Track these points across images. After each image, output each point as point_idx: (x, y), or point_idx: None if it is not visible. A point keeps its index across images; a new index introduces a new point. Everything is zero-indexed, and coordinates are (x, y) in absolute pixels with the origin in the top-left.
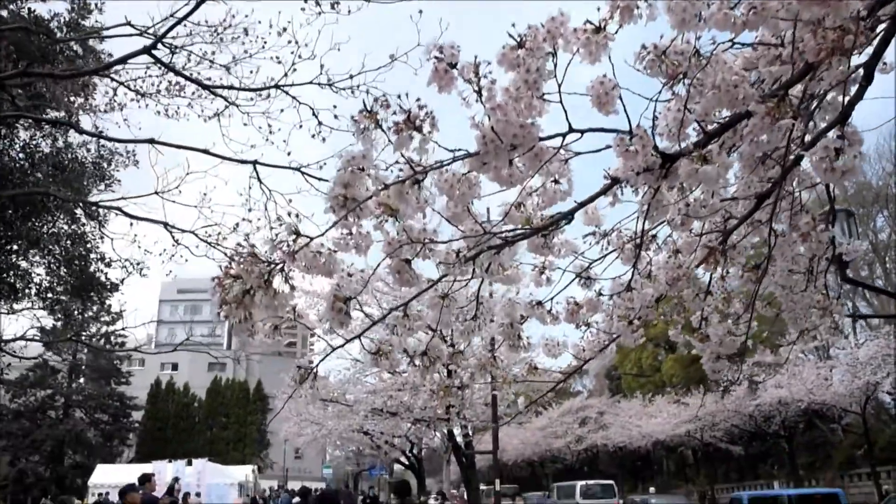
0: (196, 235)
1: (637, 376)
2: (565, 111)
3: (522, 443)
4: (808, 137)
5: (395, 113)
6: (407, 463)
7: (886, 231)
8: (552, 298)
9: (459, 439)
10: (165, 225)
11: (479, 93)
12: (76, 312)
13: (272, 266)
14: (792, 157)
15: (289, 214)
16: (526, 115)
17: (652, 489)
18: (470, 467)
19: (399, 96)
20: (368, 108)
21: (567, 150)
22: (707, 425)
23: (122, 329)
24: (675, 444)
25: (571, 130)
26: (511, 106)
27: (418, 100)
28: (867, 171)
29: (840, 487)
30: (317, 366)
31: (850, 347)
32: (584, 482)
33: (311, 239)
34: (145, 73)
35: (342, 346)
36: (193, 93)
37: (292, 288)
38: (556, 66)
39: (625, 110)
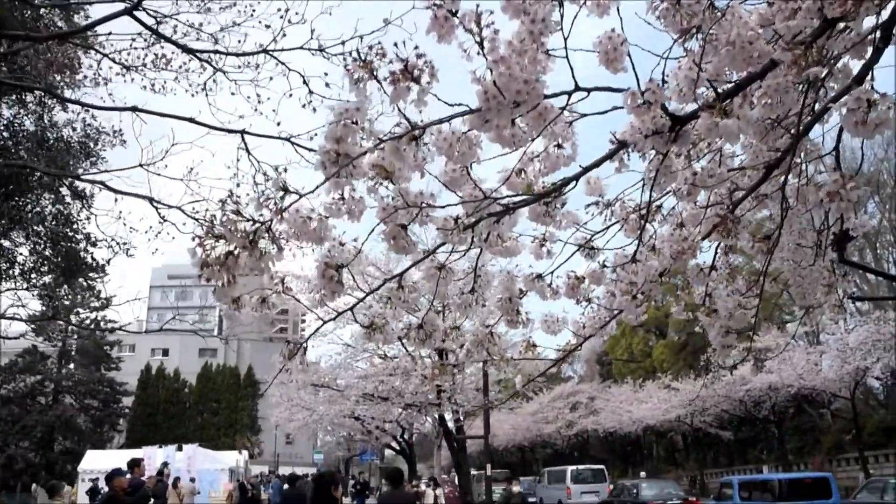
0: (183, 211)
1: (628, 362)
2: (571, 68)
3: (513, 428)
4: (818, 106)
5: (391, 63)
6: (398, 448)
7: (877, 217)
8: (552, 272)
9: (451, 424)
10: (151, 200)
11: (480, 44)
12: (63, 295)
13: (258, 225)
14: (802, 126)
15: (275, 169)
16: (530, 70)
17: (642, 474)
18: (461, 452)
19: (395, 45)
20: (363, 58)
21: (572, 112)
22: (697, 410)
23: (108, 304)
24: (665, 429)
25: (578, 89)
26: (515, 59)
27: (416, 48)
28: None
29: (829, 472)
30: (306, 340)
31: (840, 333)
32: (574, 467)
33: (301, 196)
34: (130, 45)
35: (334, 318)
36: (180, 66)
37: (280, 249)
38: (562, 16)
39: (633, 68)
